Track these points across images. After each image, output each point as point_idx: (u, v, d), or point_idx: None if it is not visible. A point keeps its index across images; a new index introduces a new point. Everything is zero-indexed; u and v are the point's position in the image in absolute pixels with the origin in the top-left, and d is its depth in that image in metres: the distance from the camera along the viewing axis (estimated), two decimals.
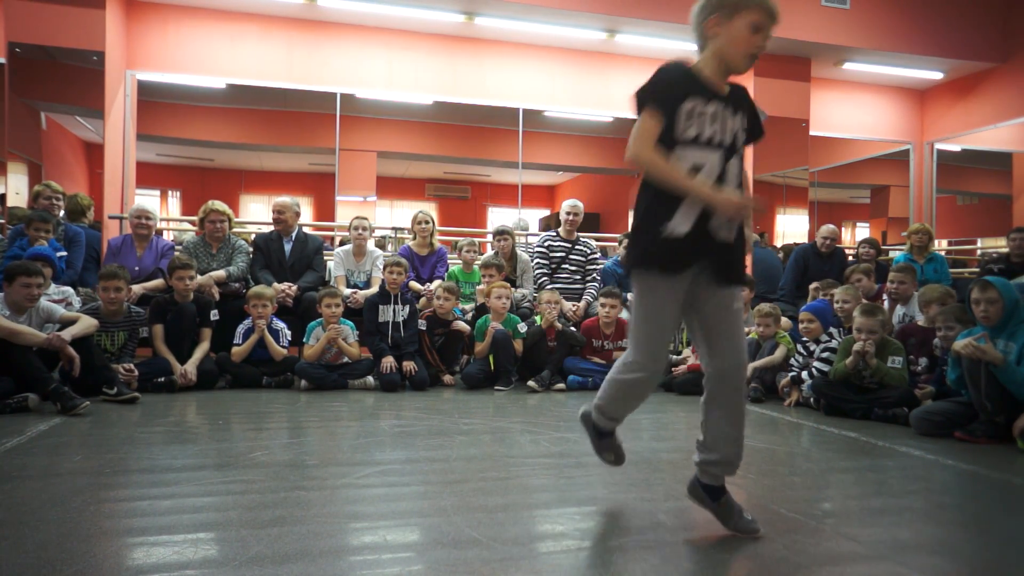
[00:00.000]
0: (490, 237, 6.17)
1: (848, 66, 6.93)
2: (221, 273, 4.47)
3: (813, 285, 4.85)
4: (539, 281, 5.06)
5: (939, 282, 4.72)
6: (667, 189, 1.65)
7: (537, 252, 5.20)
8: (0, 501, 1.87)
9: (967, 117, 7.29)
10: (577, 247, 5.19)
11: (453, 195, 11.84)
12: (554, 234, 5.26)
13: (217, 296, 4.35)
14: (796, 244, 6.46)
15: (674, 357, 4.55)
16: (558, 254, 5.16)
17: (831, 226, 5.57)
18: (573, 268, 5.16)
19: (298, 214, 4.89)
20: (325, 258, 5.13)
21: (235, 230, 4.86)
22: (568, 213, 5.17)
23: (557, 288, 4.84)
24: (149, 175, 9.16)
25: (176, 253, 4.47)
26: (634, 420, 3.37)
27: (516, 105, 6.66)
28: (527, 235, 6.66)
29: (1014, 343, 2.93)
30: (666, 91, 1.66)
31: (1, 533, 1.63)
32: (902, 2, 6.62)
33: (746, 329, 4.55)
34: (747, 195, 1.68)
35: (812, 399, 3.75)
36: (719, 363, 1.72)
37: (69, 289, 4.04)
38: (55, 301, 3.74)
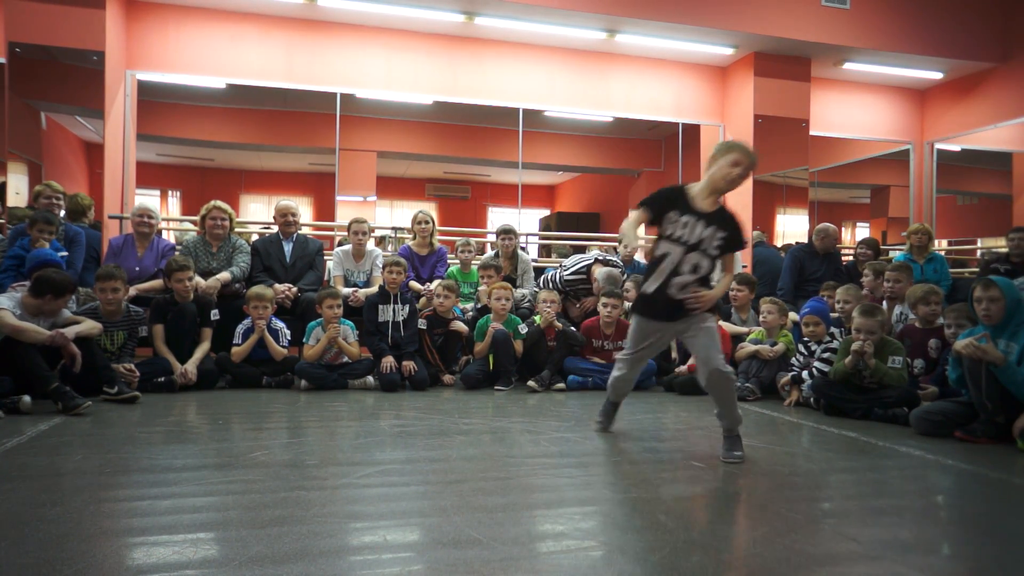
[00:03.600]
0: (491, 237, 6.17)
1: (848, 66, 6.92)
2: (226, 275, 4.46)
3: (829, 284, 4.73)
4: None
5: (938, 282, 4.72)
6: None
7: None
8: (0, 501, 1.87)
9: (967, 117, 7.28)
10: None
11: (453, 195, 11.83)
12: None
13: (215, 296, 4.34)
14: (796, 243, 6.45)
15: (674, 355, 4.55)
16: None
17: (828, 225, 5.56)
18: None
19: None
20: (325, 258, 5.12)
21: (236, 230, 4.85)
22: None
23: None
24: (149, 175, 9.16)
25: (175, 254, 4.46)
26: (634, 420, 3.38)
27: (516, 105, 6.66)
28: (526, 236, 6.67)
29: (1015, 343, 2.92)
30: (657, 201, 2.54)
31: (1, 533, 1.62)
32: (902, 2, 6.61)
33: (747, 329, 4.58)
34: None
35: (812, 399, 3.74)
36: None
37: None
38: None
